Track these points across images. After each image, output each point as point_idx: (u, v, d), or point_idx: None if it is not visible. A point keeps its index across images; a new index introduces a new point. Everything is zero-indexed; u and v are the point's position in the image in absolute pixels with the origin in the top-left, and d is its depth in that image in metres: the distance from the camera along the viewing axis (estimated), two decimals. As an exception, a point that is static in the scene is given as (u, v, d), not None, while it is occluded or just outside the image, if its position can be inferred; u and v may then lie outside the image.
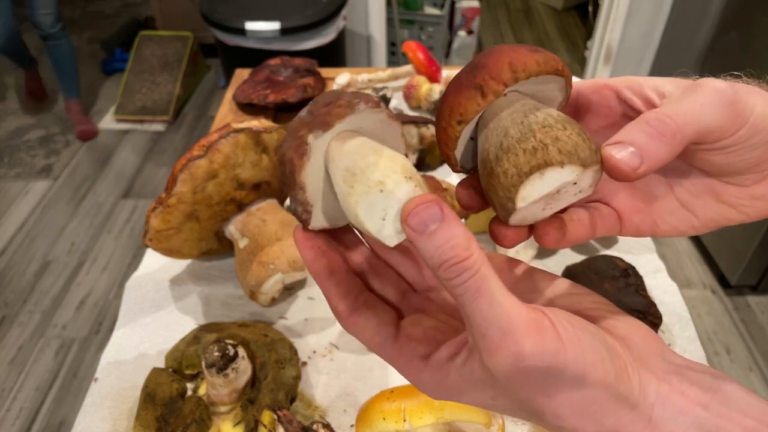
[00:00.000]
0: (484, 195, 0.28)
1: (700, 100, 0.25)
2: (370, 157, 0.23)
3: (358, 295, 0.27)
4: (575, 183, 0.25)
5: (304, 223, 0.26)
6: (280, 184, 0.25)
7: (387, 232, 0.23)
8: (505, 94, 0.26)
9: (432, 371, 0.25)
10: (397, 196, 0.22)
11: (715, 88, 0.25)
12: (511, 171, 0.25)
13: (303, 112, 0.24)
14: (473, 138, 0.28)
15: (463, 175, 0.30)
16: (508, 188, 0.25)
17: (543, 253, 0.73)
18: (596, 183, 0.26)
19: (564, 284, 0.28)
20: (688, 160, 0.28)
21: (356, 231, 0.29)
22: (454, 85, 0.27)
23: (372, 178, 0.22)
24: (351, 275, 0.28)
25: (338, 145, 0.24)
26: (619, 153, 0.24)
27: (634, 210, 0.30)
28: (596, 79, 0.30)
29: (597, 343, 0.23)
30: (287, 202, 0.77)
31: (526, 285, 0.29)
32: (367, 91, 0.97)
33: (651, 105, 0.27)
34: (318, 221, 0.26)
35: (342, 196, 0.23)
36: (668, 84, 0.27)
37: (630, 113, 0.28)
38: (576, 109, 0.30)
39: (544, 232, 0.28)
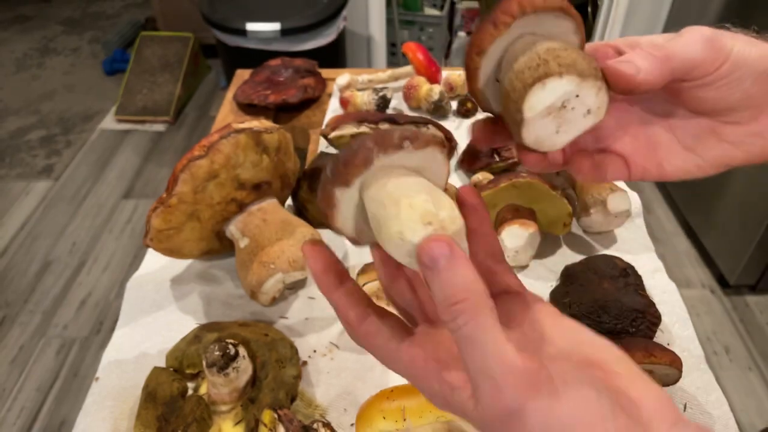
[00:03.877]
0: (505, 124, 0.31)
1: (684, 40, 0.29)
2: (391, 209, 0.24)
3: (367, 304, 0.28)
4: (578, 96, 0.28)
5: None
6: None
7: (415, 267, 0.25)
8: (521, 36, 0.30)
9: (441, 384, 0.26)
10: (415, 244, 0.24)
11: (698, 30, 0.29)
12: (518, 86, 0.28)
13: (327, 170, 0.26)
14: (498, 80, 0.31)
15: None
16: (516, 101, 0.28)
17: (542, 253, 0.73)
18: (604, 105, 0.29)
19: (584, 334, 0.27)
20: (684, 100, 0.31)
21: None
22: (475, 26, 0.30)
23: (393, 229, 0.24)
24: (358, 287, 0.29)
25: (369, 185, 0.26)
26: (620, 64, 0.28)
27: (639, 153, 0.32)
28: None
29: (600, 402, 0.22)
30: (288, 201, 0.77)
31: (537, 331, 0.27)
32: (367, 92, 0.98)
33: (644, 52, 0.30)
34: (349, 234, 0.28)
35: (374, 233, 0.26)
36: (661, 37, 0.30)
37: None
38: None
39: (579, 164, 0.31)
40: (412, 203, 0.24)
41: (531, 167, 0.32)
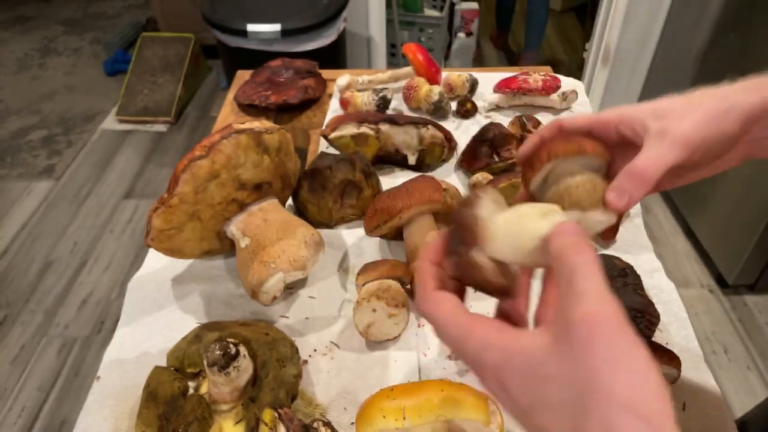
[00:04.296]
0: None
1: (664, 151, 0.38)
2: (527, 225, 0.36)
3: (447, 281, 0.36)
4: (586, 218, 0.40)
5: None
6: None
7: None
8: (557, 165, 0.42)
9: (505, 336, 0.31)
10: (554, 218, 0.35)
11: (673, 139, 0.38)
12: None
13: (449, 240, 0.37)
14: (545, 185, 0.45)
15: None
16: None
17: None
18: (607, 218, 0.40)
19: None
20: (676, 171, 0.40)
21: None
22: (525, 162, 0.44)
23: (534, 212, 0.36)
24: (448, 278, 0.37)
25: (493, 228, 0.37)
26: (615, 198, 0.39)
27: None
28: (598, 115, 0.42)
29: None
30: (289, 201, 0.78)
31: None
32: (367, 93, 0.98)
33: (638, 136, 0.40)
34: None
35: (513, 226, 0.36)
36: (651, 119, 0.39)
37: (625, 140, 0.41)
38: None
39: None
40: (528, 212, 0.37)
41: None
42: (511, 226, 0.35)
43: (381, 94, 0.98)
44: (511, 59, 3.11)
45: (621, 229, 0.77)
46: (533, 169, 0.42)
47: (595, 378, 0.26)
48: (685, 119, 0.38)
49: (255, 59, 1.29)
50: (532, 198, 0.45)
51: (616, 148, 0.42)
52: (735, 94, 0.38)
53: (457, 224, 0.36)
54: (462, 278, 0.37)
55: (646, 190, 0.38)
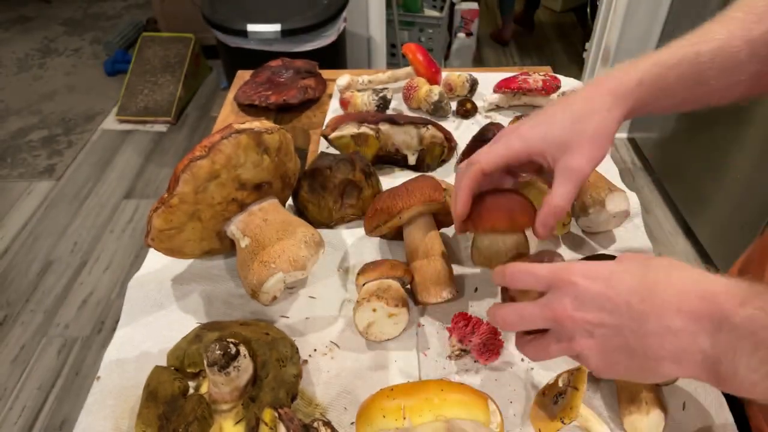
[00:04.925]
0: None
1: (570, 188, 0.51)
2: None
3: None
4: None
5: None
6: None
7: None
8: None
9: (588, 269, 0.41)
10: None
11: (576, 175, 0.51)
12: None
13: None
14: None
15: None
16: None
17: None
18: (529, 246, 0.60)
19: None
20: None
21: None
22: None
23: None
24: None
25: None
26: (542, 230, 0.53)
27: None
28: (508, 149, 0.53)
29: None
30: (289, 201, 0.78)
31: None
32: (367, 93, 0.98)
33: (549, 167, 0.52)
34: None
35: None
36: (556, 152, 0.51)
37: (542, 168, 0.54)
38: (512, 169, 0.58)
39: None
40: None
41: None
42: None
43: (381, 94, 0.98)
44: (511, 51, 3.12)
45: (621, 229, 0.77)
46: (476, 230, 0.60)
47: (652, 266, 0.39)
48: (579, 153, 0.50)
49: (255, 59, 1.29)
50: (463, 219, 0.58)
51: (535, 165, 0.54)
52: (608, 105, 0.50)
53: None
54: None
55: (557, 218, 0.51)
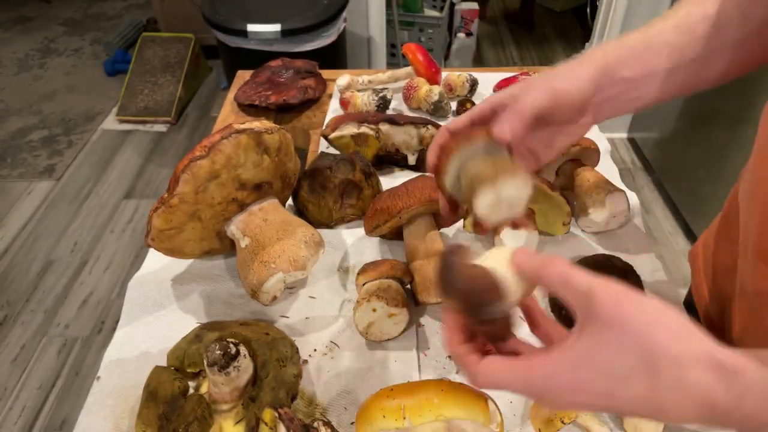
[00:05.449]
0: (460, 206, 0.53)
1: (531, 99, 0.46)
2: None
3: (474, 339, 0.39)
4: (500, 194, 0.45)
5: (511, 318, 0.39)
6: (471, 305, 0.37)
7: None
8: (466, 154, 0.47)
9: (559, 358, 0.33)
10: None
11: (542, 82, 0.47)
12: (468, 199, 0.47)
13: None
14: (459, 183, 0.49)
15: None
16: (472, 208, 0.46)
17: (542, 250, 0.74)
18: (526, 182, 0.45)
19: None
20: (542, 124, 0.48)
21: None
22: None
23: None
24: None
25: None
26: (498, 129, 0.45)
27: (527, 158, 0.53)
28: (473, 109, 0.51)
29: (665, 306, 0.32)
30: (289, 201, 0.78)
31: None
32: (367, 93, 0.98)
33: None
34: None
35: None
36: (511, 100, 0.47)
37: None
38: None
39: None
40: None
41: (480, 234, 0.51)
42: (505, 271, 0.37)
43: (381, 94, 0.98)
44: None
45: (621, 229, 0.77)
46: (442, 172, 0.48)
47: (644, 341, 0.30)
48: (530, 96, 0.46)
49: (255, 59, 1.29)
50: (451, 200, 0.51)
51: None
52: (571, 79, 0.47)
53: (469, 290, 0.35)
54: (497, 337, 0.38)
55: (521, 125, 0.45)
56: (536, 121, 0.46)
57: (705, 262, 0.65)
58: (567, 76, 0.47)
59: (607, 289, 0.32)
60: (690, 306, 0.68)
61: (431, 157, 0.50)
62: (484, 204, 0.44)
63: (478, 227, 0.52)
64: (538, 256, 0.36)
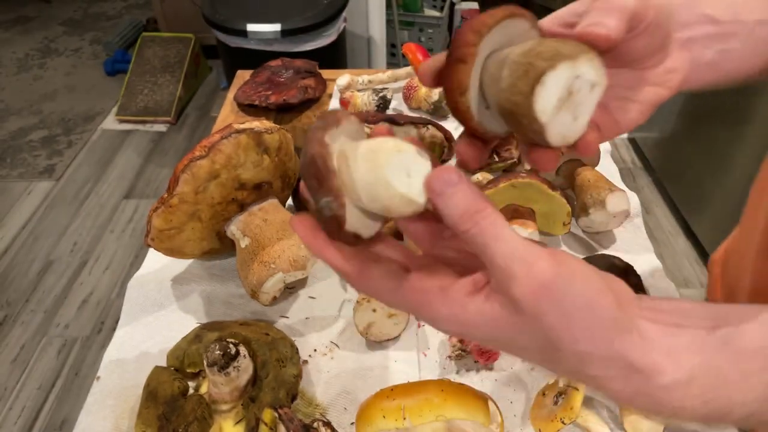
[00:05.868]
0: (523, 138, 0.32)
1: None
2: (386, 141, 0.27)
3: (361, 254, 0.29)
4: (578, 76, 0.28)
5: (340, 220, 0.27)
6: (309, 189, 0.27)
7: (414, 189, 0.26)
8: (489, 57, 0.30)
9: (450, 304, 0.27)
10: (412, 151, 0.27)
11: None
12: (519, 99, 0.28)
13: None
14: (488, 107, 0.32)
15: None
16: (526, 114, 0.28)
17: (542, 253, 0.74)
18: (603, 71, 0.29)
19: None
20: (616, 54, 0.33)
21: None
22: (443, 71, 0.31)
23: (388, 147, 0.27)
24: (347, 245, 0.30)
25: (353, 146, 0.28)
26: (593, 28, 0.30)
27: (599, 118, 0.35)
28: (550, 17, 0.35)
29: (598, 275, 0.26)
30: (289, 201, 0.78)
31: None
32: (367, 93, 0.98)
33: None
34: (351, 226, 0.27)
35: (369, 172, 0.26)
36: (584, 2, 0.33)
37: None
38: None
39: (583, 143, 0.32)
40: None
41: (545, 167, 0.33)
42: (368, 173, 0.26)
43: (381, 94, 0.98)
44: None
45: (621, 229, 0.77)
46: (464, 82, 0.29)
47: (554, 338, 0.26)
48: None
49: (255, 59, 1.29)
50: (477, 129, 0.32)
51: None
52: None
53: (308, 168, 0.27)
54: (331, 236, 0.28)
55: (622, 22, 0.30)
56: (628, 31, 0.32)
57: (723, 273, 0.64)
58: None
59: (530, 279, 0.25)
60: None
61: (433, 62, 0.32)
62: (551, 93, 0.28)
63: (541, 155, 0.33)
64: (470, 191, 0.26)
